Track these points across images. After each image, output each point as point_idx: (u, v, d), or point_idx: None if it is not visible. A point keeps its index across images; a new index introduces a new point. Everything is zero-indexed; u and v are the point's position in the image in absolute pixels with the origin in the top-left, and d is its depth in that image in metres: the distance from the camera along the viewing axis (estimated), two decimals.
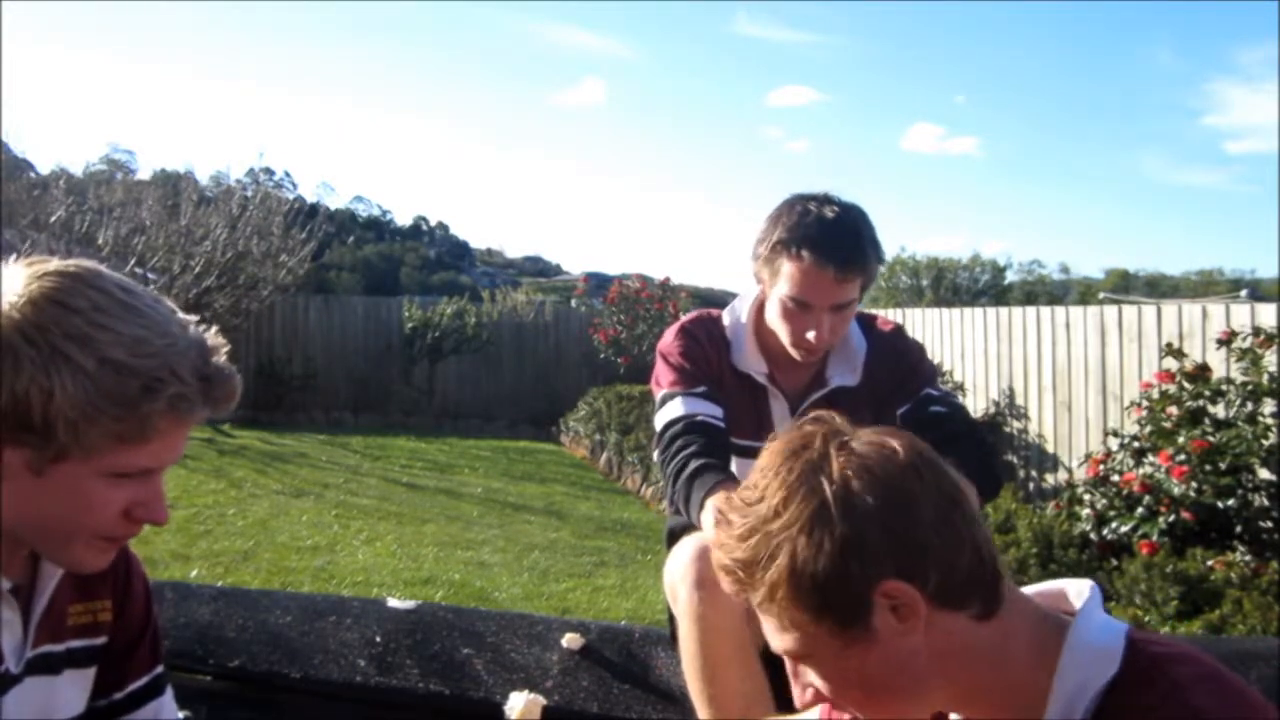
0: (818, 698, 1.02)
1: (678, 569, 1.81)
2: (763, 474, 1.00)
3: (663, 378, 2.03)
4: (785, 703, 1.54)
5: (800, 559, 0.93)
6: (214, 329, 1.10)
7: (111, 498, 1.03)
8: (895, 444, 0.97)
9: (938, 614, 0.94)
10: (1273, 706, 0.90)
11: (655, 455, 2.02)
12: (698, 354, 2.03)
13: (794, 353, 1.97)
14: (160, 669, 1.27)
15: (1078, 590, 1.02)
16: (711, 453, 1.88)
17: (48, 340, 0.96)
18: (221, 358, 1.07)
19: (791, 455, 0.98)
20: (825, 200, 1.93)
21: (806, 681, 1.01)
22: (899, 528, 0.92)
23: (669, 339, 2.07)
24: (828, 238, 1.87)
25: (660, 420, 1.98)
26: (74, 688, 1.17)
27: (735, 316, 2.08)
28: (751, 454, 1.86)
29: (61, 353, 0.96)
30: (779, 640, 0.99)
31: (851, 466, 0.95)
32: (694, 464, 1.86)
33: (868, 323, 2.11)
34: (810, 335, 1.91)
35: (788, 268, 1.90)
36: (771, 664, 1.80)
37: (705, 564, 1.73)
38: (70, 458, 0.98)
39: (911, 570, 0.92)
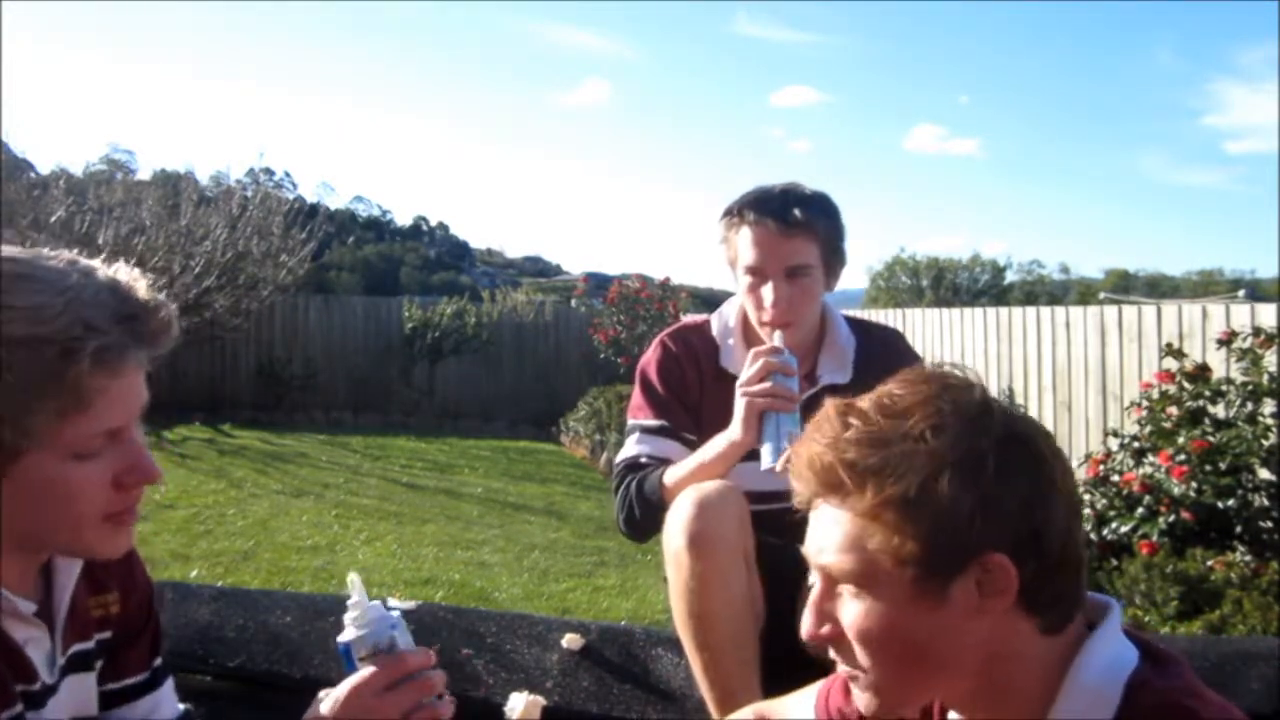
0: (833, 634, 0.94)
1: (676, 523, 1.82)
2: (910, 394, 0.93)
3: (633, 403, 2.10)
4: (774, 669, 1.55)
5: (933, 489, 0.87)
6: (129, 266, 1.01)
7: (90, 477, 0.98)
8: (1046, 433, 0.94)
9: (1016, 610, 0.90)
10: None
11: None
12: (671, 372, 2.06)
13: (764, 334, 1.98)
14: (159, 662, 1.26)
15: (1100, 608, 0.97)
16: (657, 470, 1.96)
17: None
18: (141, 291, 0.99)
19: (950, 389, 0.93)
20: (779, 183, 2.00)
21: (828, 614, 0.94)
22: (1034, 510, 0.88)
23: (647, 355, 2.12)
24: (766, 196, 1.95)
25: (619, 455, 2.06)
26: (93, 681, 1.17)
27: (723, 320, 2.10)
28: (743, 458, 1.89)
29: None
30: (839, 557, 0.92)
31: (1014, 430, 0.90)
32: (636, 481, 1.96)
33: (862, 323, 2.12)
34: (768, 302, 1.93)
35: (736, 237, 1.97)
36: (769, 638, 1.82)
37: (701, 523, 1.78)
38: (26, 451, 0.93)
39: (1023, 555, 0.88)
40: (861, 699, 0.96)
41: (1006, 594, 0.88)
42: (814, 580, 0.97)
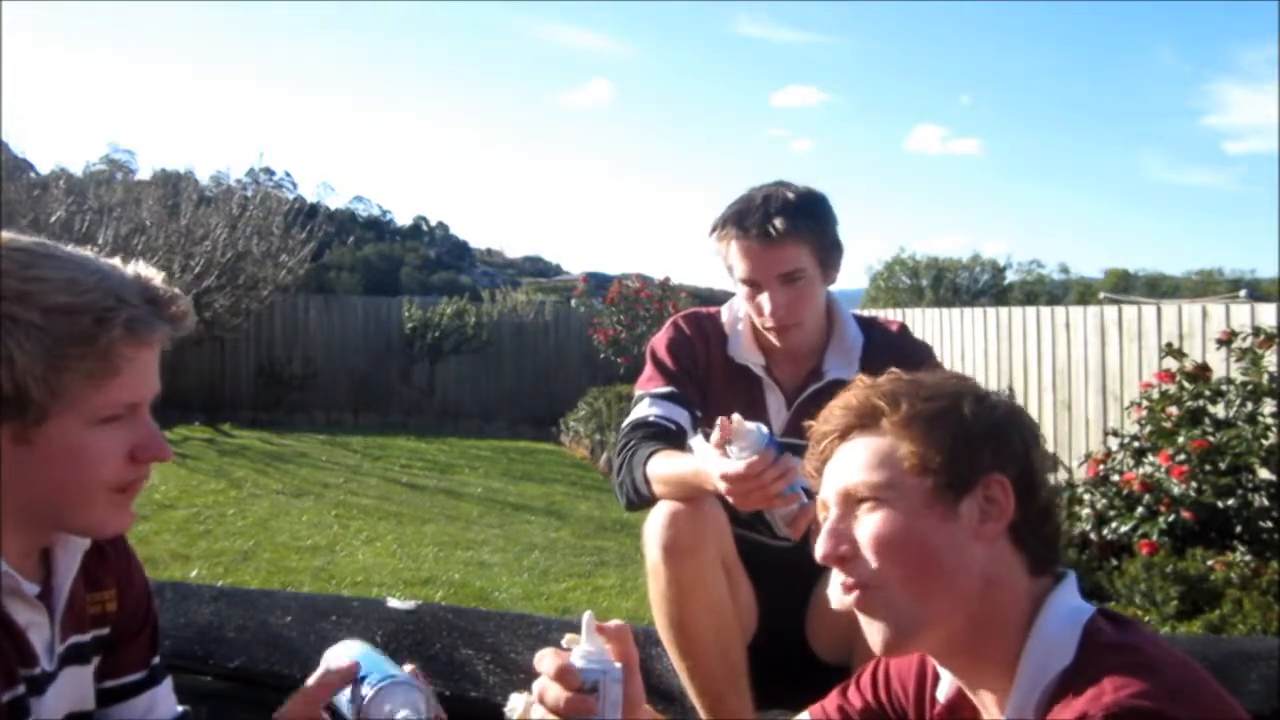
0: (849, 553, 1.01)
1: (651, 533, 1.83)
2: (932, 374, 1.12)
3: (642, 376, 2.09)
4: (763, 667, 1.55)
5: (958, 411, 1.03)
6: (162, 278, 1.10)
7: (109, 445, 1.04)
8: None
9: (1008, 542, 1.02)
10: (1231, 704, 0.91)
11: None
12: (682, 348, 2.06)
13: (771, 337, 1.99)
14: (157, 661, 1.27)
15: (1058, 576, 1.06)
16: (654, 445, 1.92)
17: None
18: (159, 283, 1.08)
19: (956, 377, 1.12)
20: (765, 186, 1.97)
21: (845, 534, 1.03)
22: (1032, 456, 1.05)
23: (659, 333, 2.13)
24: (747, 209, 1.93)
25: (627, 420, 2.04)
26: (90, 676, 1.18)
27: (733, 312, 2.11)
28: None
29: (5, 316, 0.96)
30: (865, 474, 1.03)
31: (1007, 402, 1.08)
32: (633, 452, 1.92)
33: (867, 320, 2.13)
34: (767, 310, 1.93)
35: (725, 251, 1.97)
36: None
37: (674, 531, 1.79)
38: (52, 415, 0.99)
39: (1019, 489, 1.02)
40: (874, 630, 1.02)
41: (1002, 519, 1.01)
42: (830, 510, 1.06)
